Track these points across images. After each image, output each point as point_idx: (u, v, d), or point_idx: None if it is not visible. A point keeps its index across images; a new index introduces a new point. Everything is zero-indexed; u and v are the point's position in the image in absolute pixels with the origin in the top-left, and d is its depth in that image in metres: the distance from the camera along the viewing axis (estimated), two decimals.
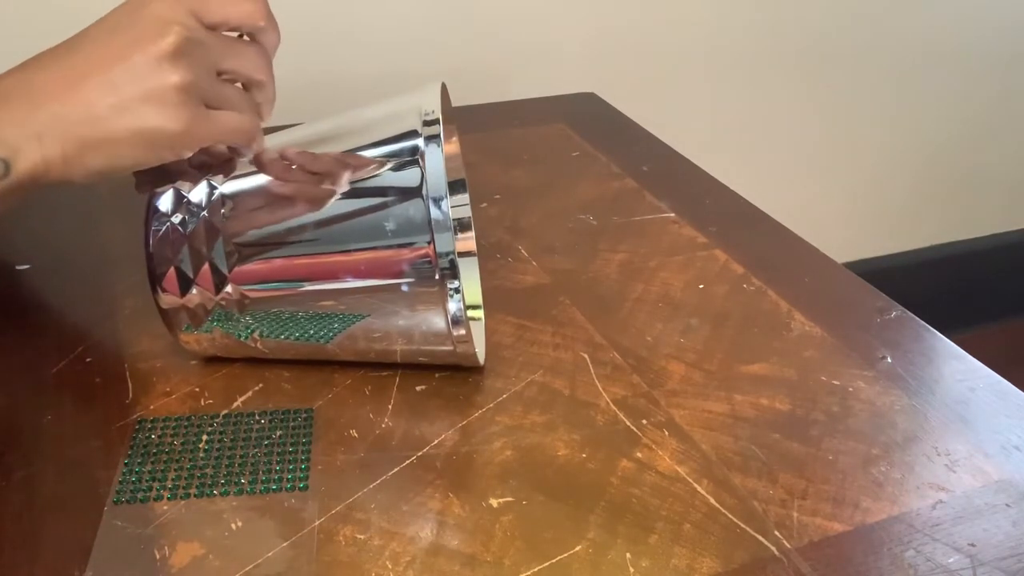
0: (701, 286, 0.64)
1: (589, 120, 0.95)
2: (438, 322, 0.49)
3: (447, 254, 0.46)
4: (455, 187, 0.61)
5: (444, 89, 0.52)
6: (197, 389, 0.53)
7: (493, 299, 0.61)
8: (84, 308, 0.60)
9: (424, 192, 0.46)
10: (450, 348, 0.50)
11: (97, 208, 0.72)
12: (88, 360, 0.55)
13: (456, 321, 0.48)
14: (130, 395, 0.52)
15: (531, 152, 0.87)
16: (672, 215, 0.75)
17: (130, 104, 0.42)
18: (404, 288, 0.48)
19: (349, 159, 0.48)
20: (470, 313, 0.57)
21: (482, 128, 0.91)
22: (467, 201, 0.62)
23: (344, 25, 1.00)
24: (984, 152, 1.51)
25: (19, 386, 0.53)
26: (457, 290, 0.47)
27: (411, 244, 0.47)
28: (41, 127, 0.41)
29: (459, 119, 0.62)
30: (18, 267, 0.64)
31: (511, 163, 0.84)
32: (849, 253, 1.48)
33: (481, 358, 0.53)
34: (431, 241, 0.46)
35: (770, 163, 1.34)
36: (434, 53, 1.06)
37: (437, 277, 0.47)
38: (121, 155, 0.43)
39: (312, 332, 0.51)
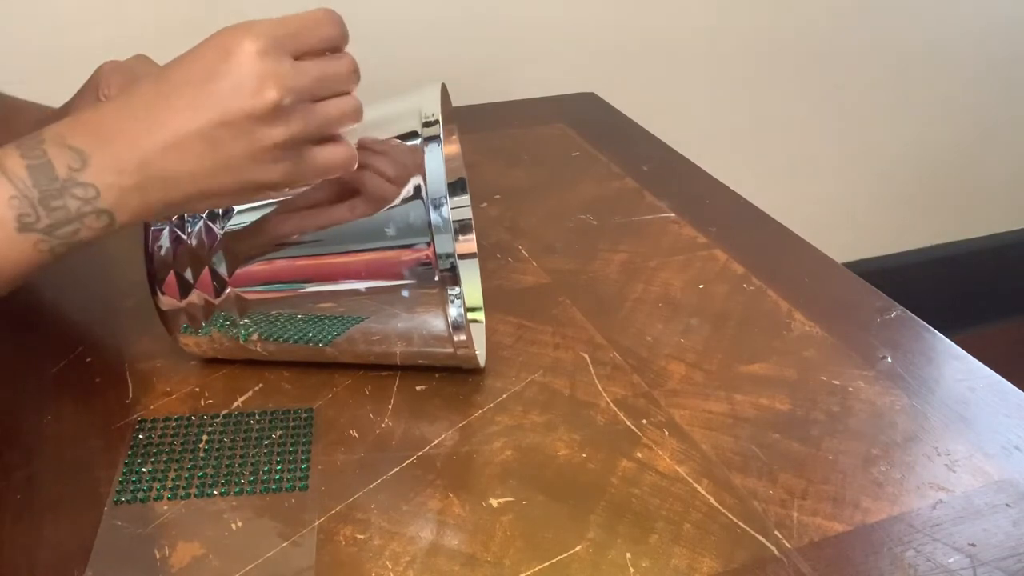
0: (701, 286, 0.64)
1: (589, 120, 0.95)
2: (438, 326, 0.49)
3: (447, 257, 0.46)
4: (455, 188, 0.61)
5: (444, 90, 0.51)
6: (197, 389, 0.53)
7: (493, 299, 0.61)
8: (84, 308, 0.60)
9: (424, 195, 0.46)
10: (450, 351, 0.50)
11: None
12: (88, 360, 0.55)
13: (457, 326, 0.48)
14: (130, 395, 0.52)
15: (531, 152, 0.87)
16: (672, 215, 0.75)
17: (234, 163, 0.42)
18: (404, 292, 0.48)
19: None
20: (471, 315, 0.57)
21: (482, 128, 0.91)
22: (468, 202, 0.62)
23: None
24: (984, 152, 1.51)
25: (19, 386, 0.53)
26: (458, 296, 0.47)
27: (411, 247, 0.47)
28: (145, 180, 0.41)
29: (459, 119, 0.62)
30: None
31: (511, 163, 0.84)
32: (849, 253, 1.47)
33: (482, 360, 0.53)
34: (431, 244, 0.46)
35: (770, 163, 1.34)
36: (434, 53, 1.06)
37: (437, 279, 0.47)
38: (223, 203, 0.45)
39: (312, 335, 0.51)
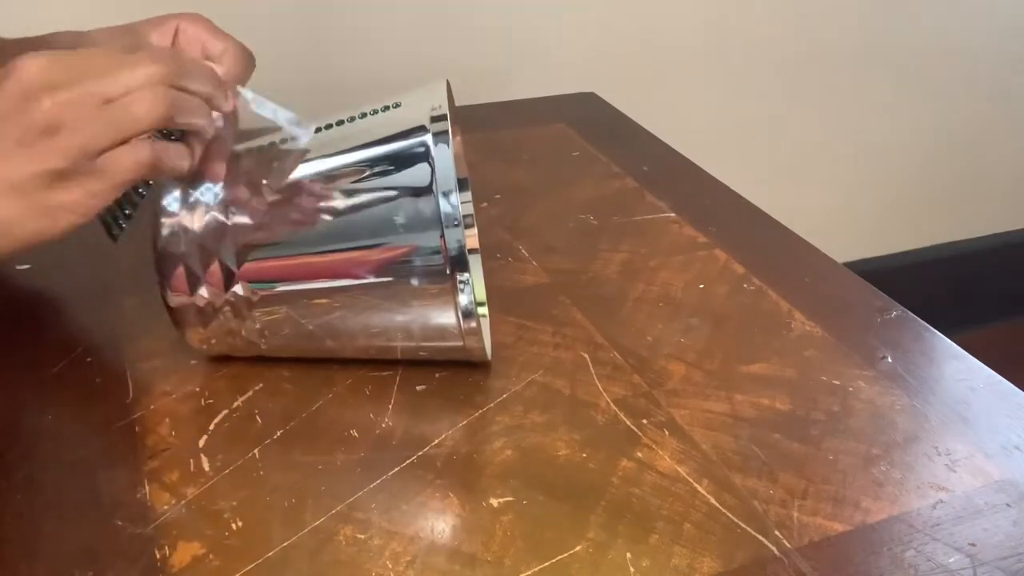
0: (701, 286, 0.64)
1: (589, 120, 0.95)
2: (448, 316, 0.49)
3: (457, 247, 0.46)
4: (459, 184, 0.61)
5: (449, 87, 0.52)
6: (197, 389, 0.53)
7: (493, 299, 0.61)
8: (84, 308, 0.60)
9: (434, 187, 0.46)
10: (459, 343, 0.50)
11: None
12: (88, 360, 0.55)
13: (467, 314, 0.48)
14: (130, 395, 0.52)
15: (531, 152, 0.87)
16: (672, 215, 0.75)
17: (23, 187, 0.41)
18: (414, 282, 0.48)
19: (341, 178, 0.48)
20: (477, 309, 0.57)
21: (482, 128, 0.91)
22: (470, 198, 0.62)
23: (344, 25, 1.00)
24: (984, 152, 1.51)
25: (20, 386, 0.53)
26: (467, 282, 0.47)
27: (420, 237, 0.47)
28: None
29: (460, 119, 0.61)
30: (18, 267, 0.63)
31: (511, 163, 0.84)
32: (849, 253, 1.48)
33: (488, 353, 0.53)
34: (442, 235, 0.46)
35: (770, 163, 1.34)
36: (434, 53, 1.06)
37: (448, 272, 0.47)
38: (23, 233, 0.43)
39: (320, 328, 0.51)
